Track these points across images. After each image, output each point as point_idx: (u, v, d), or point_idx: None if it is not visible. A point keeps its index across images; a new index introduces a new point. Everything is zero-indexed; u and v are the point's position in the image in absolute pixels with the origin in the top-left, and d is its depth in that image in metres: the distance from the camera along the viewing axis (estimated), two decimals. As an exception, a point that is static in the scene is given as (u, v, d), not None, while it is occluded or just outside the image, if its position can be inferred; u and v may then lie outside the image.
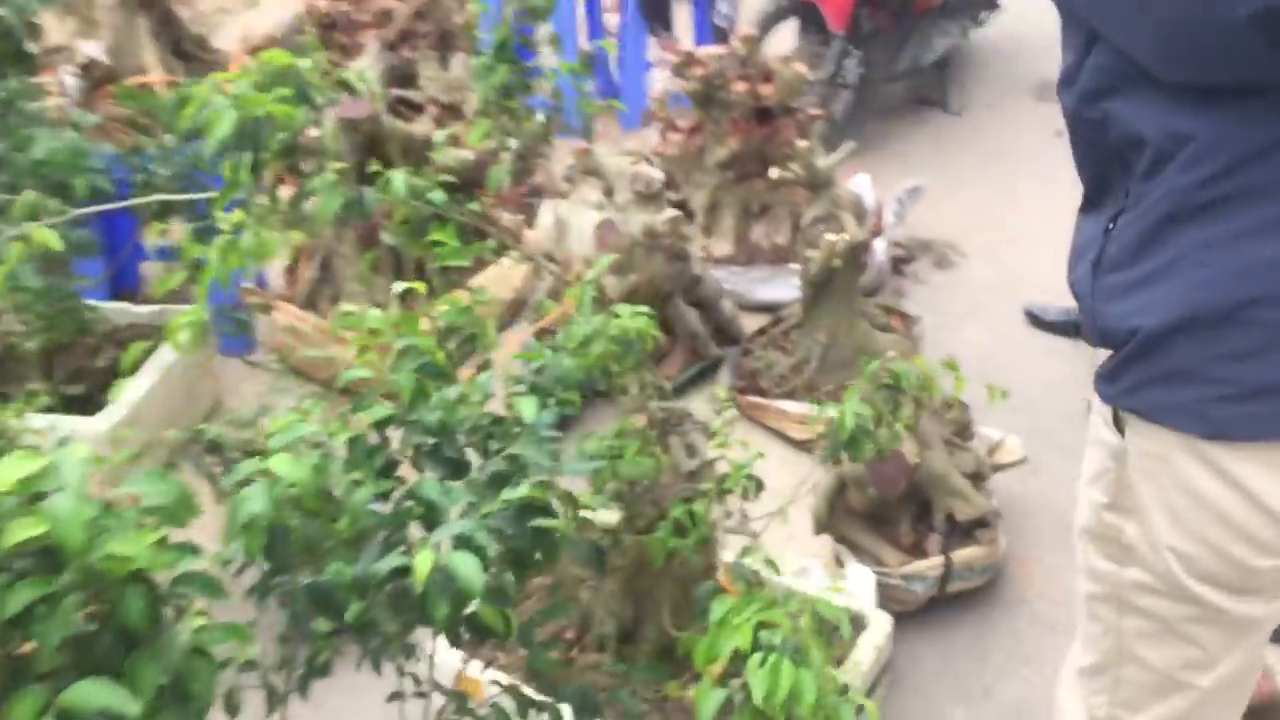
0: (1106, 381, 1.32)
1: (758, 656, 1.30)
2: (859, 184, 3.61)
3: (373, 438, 1.29)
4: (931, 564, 2.43)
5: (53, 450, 0.93)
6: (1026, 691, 2.35)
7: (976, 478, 2.58)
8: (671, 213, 3.15)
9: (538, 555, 1.26)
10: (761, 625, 1.34)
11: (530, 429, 1.34)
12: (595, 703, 1.55)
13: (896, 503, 2.50)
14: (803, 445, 2.98)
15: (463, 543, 1.13)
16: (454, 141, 3.20)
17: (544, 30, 2.36)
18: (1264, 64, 1.07)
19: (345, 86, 1.65)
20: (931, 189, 3.99)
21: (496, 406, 1.44)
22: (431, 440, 1.31)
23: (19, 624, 0.91)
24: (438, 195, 1.53)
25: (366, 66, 3.52)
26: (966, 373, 2.01)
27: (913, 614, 2.44)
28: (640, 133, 4.42)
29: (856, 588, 2.29)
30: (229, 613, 1.09)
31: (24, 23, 2.70)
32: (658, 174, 3.16)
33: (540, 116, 2.21)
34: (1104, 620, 1.43)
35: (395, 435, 1.36)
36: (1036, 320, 3.54)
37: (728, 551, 1.95)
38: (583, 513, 1.64)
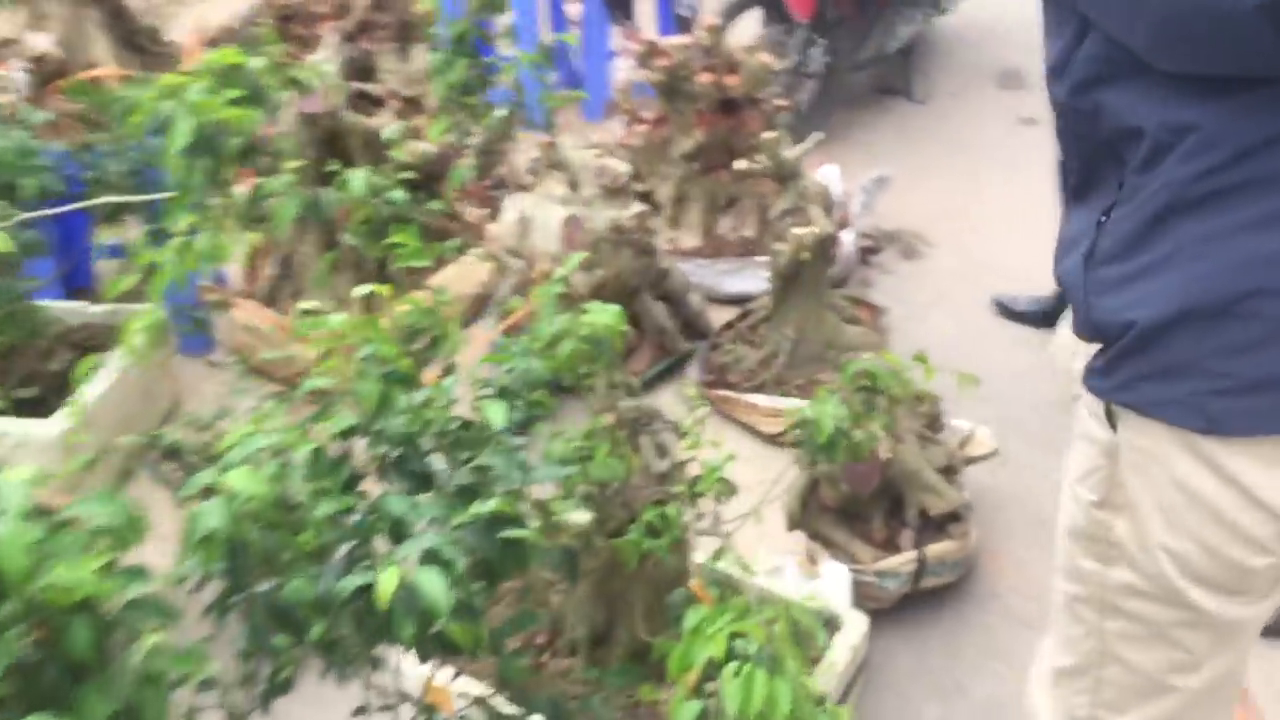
0: (1099, 376, 1.29)
1: (732, 666, 1.27)
2: (826, 175, 3.58)
3: (335, 449, 1.25)
4: (905, 560, 2.41)
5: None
6: (998, 687, 2.34)
7: (948, 471, 2.56)
8: (638, 207, 3.12)
9: (508, 566, 1.23)
10: (735, 635, 1.30)
11: (498, 436, 1.30)
12: (567, 712, 1.52)
13: (869, 498, 2.48)
14: (772, 439, 2.95)
15: (430, 557, 1.09)
16: (415, 134, 3.15)
17: (503, 21, 2.32)
18: (1271, 54, 1.04)
19: (299, 85, 1.60)
20: (897, 178, 3.97)
21: (464, 408, 1.40)
22: (396, 452, 1.26)
23: (-41, 656, 0.86)
24: (398, 194, 1.48)
25: (324, 59, 3.44)
26: (934, 362, 1.98)
27: (886, 610, 2.42)
28: (604, 124, 4.38)
29: (831, 587, 2.27)
30: (187, 628, 1.04)
31: (-30, 17, 2.62)
32: (624, 168, 3.12)
33: (502, 111, 2.17)
34: (1086, 622, 1.41)
35: (360, 443, 1.32)
36: (1006, 310, 3.53)
37: (700, 552, 1.92)
38: (554, 517, 1.61)
